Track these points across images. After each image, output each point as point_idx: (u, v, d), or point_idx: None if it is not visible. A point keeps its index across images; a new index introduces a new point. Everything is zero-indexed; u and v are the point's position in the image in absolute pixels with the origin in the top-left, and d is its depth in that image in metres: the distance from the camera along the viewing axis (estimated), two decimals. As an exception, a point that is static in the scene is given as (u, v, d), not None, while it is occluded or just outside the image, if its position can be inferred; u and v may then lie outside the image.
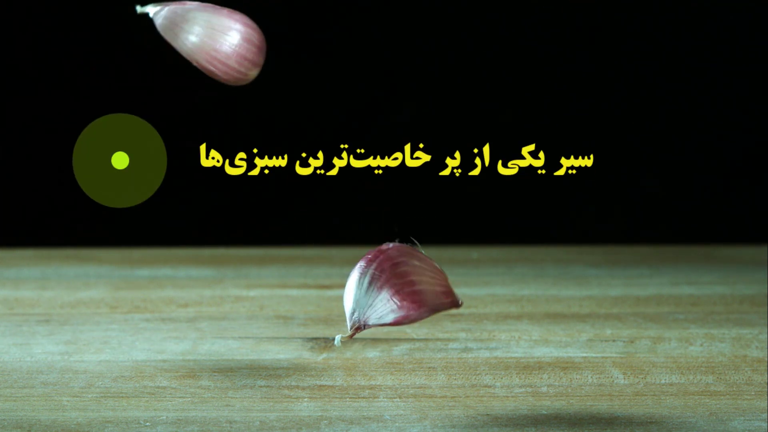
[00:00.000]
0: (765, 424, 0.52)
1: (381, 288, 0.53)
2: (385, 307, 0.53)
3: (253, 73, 0.60)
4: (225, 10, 0.59)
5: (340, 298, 0.80)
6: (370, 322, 0.54)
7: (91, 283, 0.85)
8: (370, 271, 0.54)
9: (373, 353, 0.64)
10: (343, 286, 0.84)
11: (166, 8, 0.59)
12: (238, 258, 0.97)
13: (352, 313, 0.54)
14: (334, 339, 0.55)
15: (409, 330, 0.70)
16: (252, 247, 1.02)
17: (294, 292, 0.82)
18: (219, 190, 1.10)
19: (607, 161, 1.10)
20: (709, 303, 0.78)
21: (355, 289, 0.54)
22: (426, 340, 0.67)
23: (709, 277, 0.88)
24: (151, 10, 0.59)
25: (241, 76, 0.59)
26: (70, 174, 1.09)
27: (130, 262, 0.95)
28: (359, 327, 0.54)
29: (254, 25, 0.59)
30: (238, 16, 0.59)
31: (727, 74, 1.08)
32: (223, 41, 0.59)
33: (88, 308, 0.76)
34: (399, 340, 0.67)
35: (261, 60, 0.59)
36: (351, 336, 0.54)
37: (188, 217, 1.10)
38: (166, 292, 0.82)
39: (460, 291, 0.83)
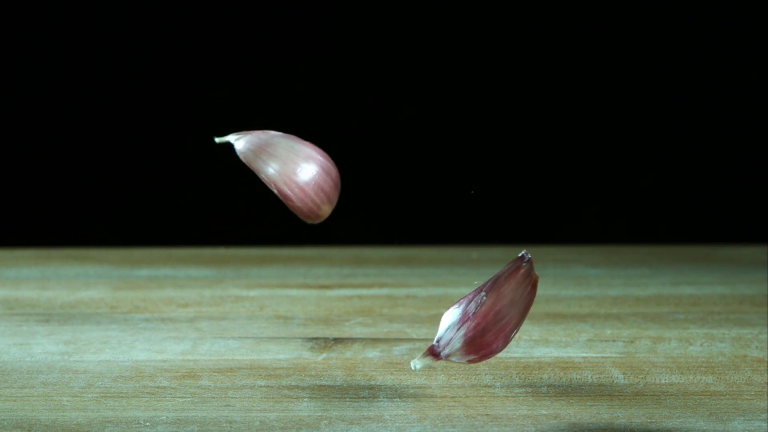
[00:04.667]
0: (765, 424, 0.52)
1: (468, 329, 0.55)
2: (461, 350, 0.55)
3: (326, 209, 0.59)
4: (306, 142, 0.60)
5: (340, 298, 0.80)
6: (445, 355, 0.55)
7: (91, 283, 0.85)
8: (474, 302, 0.55)
9: (373, 353, 0.64)
10: (343, 286, 0.84)
11: (249, 135, 0.60)
12: (238, 258, 0.97)
13: (437, 340, 0.55)
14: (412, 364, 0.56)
15: (409, 330, 0.70)
16: (252, 247, 1.02)
17: (294, 292, 0.82)
18: (219, 191, 1.10)
19: (608, 161, 1.10)
20: (709, 303, 0.78)
21: (450, 318, 0.56)
22: (426, 340, 0.67)
23: (709, 277, 0.88)
24: (232, 138, 0.60)
25: (314, 207, 0.59)
26: (71, 174, 1.09)
27: (130, 262, 0.95)
28: (436, 354, 0.55)
29: (332, 162, 0.60)
30: (318, 149, 0.60)
31: (728, 75, 1.08)
32: (304, 168, 0.59)
33: (88, 308, 0.76)
34: (399, 340, 0.67)
35: (335, 196, 0.59)
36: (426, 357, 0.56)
37: (188, 217, 1.10)
38: (166, 292, 0.82)
39: (459, 291, 0.83)
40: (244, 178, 1.10)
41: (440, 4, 1.08)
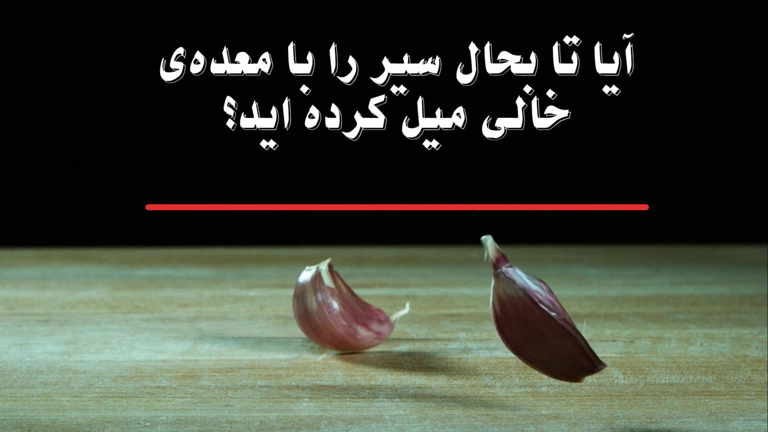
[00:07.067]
0: (765, 424, 0.52)
1: (533, 298, 0.56)
2: (501, 297, 0.56)
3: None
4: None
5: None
6: (498, 272, 0.56)
7: (91, 283, 0.85)
8: (551, 314, 0.56)
9: (373, 353, 0.64)
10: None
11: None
12: (238, 258, 0.97)
13: (514, 268, 0.56)
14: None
15: (409, 330, 0.70)
16: (252, 247, 1.02)
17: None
18: (219, 191, 1.10)
19: (608, 161, 1.10)
20: (709, 303, 0.78)
21: (535, 281, 0.56)
22: (426, 340, 0.67)
23: (709, 277, 0.88)
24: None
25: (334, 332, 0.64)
26: (70, 174, 1.09)
27: (130, 262, 0.95)
28: (499, 260, 0.56)
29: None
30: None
31: (728, 75, 1.08)
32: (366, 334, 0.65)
33: (88, 308, 0.76)
34: (399, 340, 0.67)
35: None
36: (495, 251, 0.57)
37: (188, 217, 1.10)
38: (166, 292, 0.82)
39: (459, 291, 0.83)
40: (243, 178, 1.10)
41: (440, 3, 1.08)
